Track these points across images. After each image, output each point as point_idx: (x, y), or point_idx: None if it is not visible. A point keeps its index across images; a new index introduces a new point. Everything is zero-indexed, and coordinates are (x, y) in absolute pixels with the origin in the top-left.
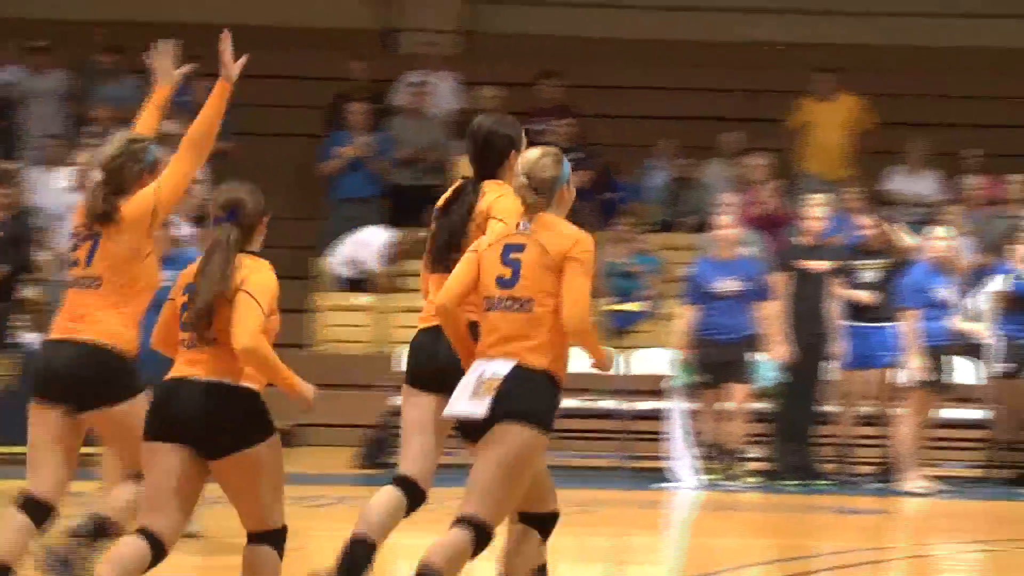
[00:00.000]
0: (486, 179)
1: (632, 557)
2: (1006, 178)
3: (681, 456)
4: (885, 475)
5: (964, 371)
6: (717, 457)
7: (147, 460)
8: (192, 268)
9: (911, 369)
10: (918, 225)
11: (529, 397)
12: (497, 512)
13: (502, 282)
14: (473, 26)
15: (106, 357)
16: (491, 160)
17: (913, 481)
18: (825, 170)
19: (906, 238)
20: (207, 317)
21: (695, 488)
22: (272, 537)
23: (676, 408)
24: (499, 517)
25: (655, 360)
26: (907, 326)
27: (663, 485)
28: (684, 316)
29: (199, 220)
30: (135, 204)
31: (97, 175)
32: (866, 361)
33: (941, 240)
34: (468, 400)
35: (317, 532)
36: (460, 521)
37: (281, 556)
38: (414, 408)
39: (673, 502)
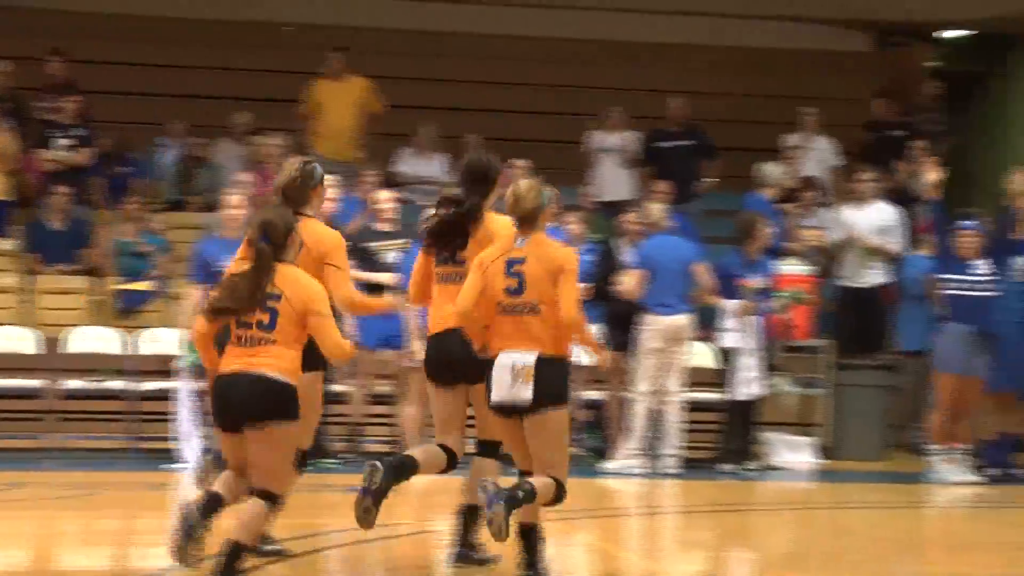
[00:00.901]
0: (479, 203)
1: (139, 539)
2: (511, 162)
3: (189, 436)
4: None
5: None
6: None
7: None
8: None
9: (412, 351)
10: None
11: (556, 381)
12: (563, 470)
13: (511, 291)
14: None
15: None
16: (485, 187)
17: None
18: (336, 151)
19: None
20: None
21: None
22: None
23: (184, 388)
24: (564, 474)
25: (164, 340)
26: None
27: (171, 466)
28: (191, 296)
29: None
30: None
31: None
32: (384, 341)
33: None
34: (510, 388)
35: None
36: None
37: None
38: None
39: (181, 483)
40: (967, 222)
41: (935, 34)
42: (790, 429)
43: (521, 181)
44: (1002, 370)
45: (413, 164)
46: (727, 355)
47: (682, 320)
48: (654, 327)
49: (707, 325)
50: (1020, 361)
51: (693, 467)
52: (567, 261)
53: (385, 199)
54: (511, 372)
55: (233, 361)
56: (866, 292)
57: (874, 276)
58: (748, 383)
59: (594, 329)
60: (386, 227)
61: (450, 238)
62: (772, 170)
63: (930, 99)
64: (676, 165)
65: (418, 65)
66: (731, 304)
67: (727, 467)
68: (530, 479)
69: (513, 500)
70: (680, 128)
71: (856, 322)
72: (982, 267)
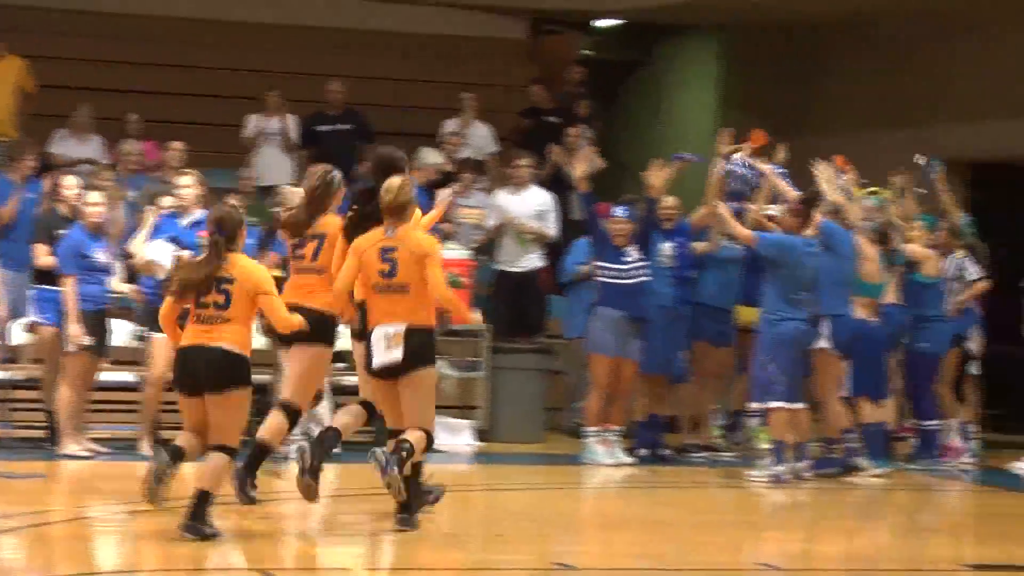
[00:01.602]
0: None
1: None
2: (167, 144)
3: None
4: (48, 439)
5: (120, 333)
6: None
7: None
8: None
9: (70, 334)
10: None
11: (424, 346)
12: (431, 423)
13: (384, 274)
14: None
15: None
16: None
17: (74, 444)
18: None
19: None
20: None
21: None
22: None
23: None
24: (432, 426)
25: None
26: (66, 291)
27: None
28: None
29: None
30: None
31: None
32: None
33: (95, 205)
34: (384, 352)
35: None
36: (412, 429)
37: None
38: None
39: None
40: (618, 209)
41: (593, 23)
42: (449, 412)
43: (394, 178)
44: (652, 354)
45: (69, 145)
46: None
47: None
48: None
49: None
50: (668, 345)
51: (349, 451)
52: (431, 248)
53: (68, 185)
54: (385, 340)
55: (194, 336)
56: (523, 277)
57: (530, 261)
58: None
59: None
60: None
61: (369, 227)
62: (429, 155)
63: (577, 86)
64: (335, 149)
65: (76, 45)
66: None
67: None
68: (405, 436)
69: (400, 460)
70: (338, 112)
71: (513, 306)
72: (632, 254)
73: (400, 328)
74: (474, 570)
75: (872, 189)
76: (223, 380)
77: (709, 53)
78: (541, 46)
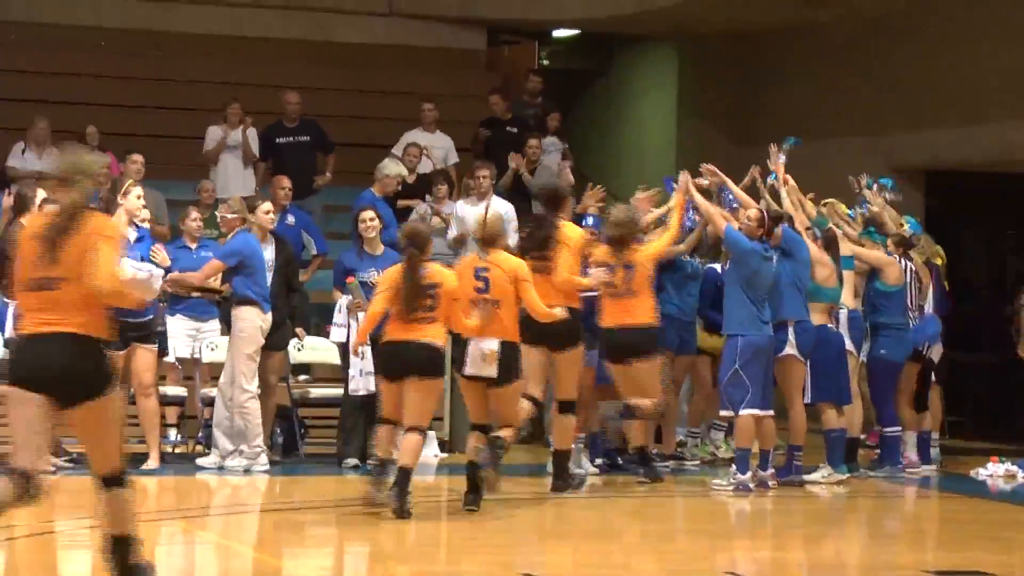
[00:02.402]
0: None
1: None
2: (129, 156)
3: None
4: None
5: None
6: None
7: None
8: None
9: None
10: None
11: (512, 361)
12: (518, 419)
13: (479, 291)
14: None
15: None
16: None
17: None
18: None
19: None
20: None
21: None
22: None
23: None
24: (519, 421)
25: None
26: None
27: None
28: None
29: None
30: None
31: None
32: None
33: None
34: (480, 365)
35: None
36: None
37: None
38: None
39: None
40: (588, 219)
41: (554, 33)
42: None
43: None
44: None
45: (28, 159)
46: (342, 351)
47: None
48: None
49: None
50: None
51: (319, 463)
52: (521, 268)
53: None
54: (480, 355)
55: (402, 333)
56: None
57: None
58: (363, 379)
59: None
60: None
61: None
62: (390, 166)
63: (535, 95)
64: (293, 160)
65: (34, 58)
66: (342, 298)
67: (350, 462)
68: (499, 435)
69: (497, 455)
70: (295, 123)
71: None
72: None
73: (494, 345)
74: None
75: (827, 201)
76: (427, 369)
77: (666, 62)
78: (499, 57)
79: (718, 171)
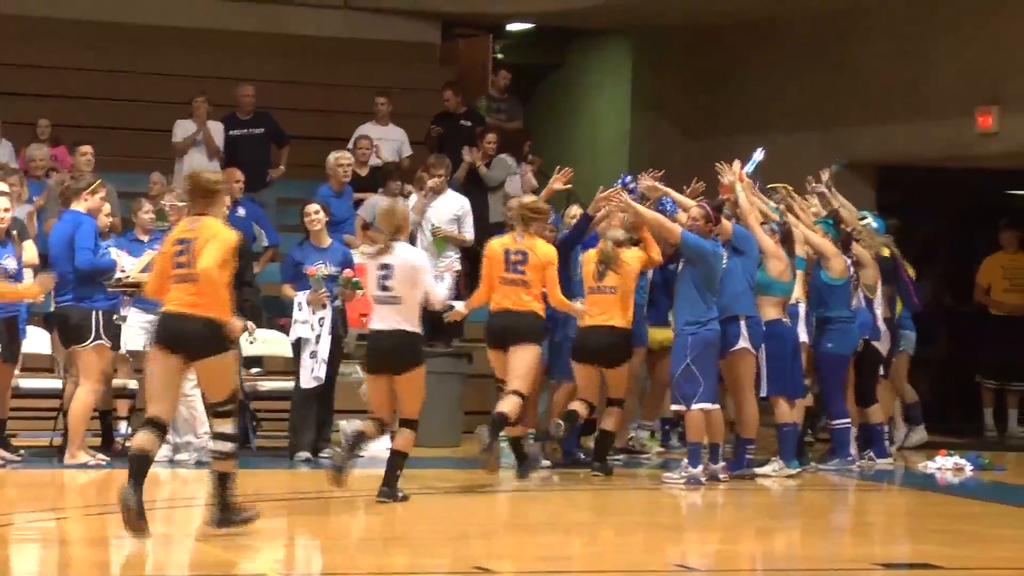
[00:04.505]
0: None
1: None
2: (78, 148)
3: None
4: None
5: (39, 341)
6: None
7: None
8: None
9: None
10: None
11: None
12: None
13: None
14: None
15: None
16: None
17: None
18: None
19: None
20: None
21: None
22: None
23: None
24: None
25: None
26: None
27: None
28: None
29: None
30: None
31: None
32: None
33: (3, 211)
34: None
35: None
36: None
37: None
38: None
39: None
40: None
41: (509, 27)
42: (366, 417)
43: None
44: (564, 360)
45: None
46: (296, 344)
47: None
48: None
49: (285, 315)
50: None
51: (270, 456)
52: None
53: None
54: None
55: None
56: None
57: (448, 263)
58: (315, 371)
59: None
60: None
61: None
62: (342, 158)
63: (499, 90)
64: (247, 153)
65: None
66: (299, 294)
67: (302, 455)
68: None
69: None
70: (250, 116)
71: (429, 311)
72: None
73: None
74: (393, 575)
75: (772, 185)
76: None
77: (622, 56)
78: (454, 50)
79: (659, 185)
